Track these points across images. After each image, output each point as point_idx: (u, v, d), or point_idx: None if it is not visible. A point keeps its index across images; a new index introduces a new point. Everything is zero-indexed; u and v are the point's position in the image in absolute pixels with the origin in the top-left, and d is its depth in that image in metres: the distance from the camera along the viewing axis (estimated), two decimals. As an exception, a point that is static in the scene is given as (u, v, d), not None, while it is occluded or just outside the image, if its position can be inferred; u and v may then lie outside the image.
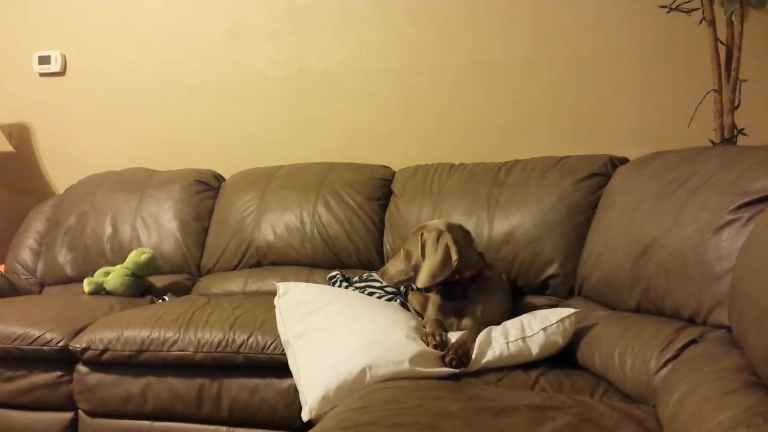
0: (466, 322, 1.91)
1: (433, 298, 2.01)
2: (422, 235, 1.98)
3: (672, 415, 1.15)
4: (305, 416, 1.62)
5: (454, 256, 1.92)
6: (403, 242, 2.10)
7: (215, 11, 3.30)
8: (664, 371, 1.42)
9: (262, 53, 3.24)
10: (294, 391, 1.90)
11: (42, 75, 3.54)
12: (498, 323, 1.83)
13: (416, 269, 1.98)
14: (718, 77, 2.29)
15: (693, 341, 1.43)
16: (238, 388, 2.02)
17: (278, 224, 2.77)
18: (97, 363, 2.15)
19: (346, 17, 3.13)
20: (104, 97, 3.46)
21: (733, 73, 2.24)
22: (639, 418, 1.27)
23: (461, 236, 2.01)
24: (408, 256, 2.01)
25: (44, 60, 3.51)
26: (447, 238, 1.94)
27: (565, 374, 1.65)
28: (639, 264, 1.73)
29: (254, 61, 3.26)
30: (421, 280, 1.94)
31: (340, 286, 2.42)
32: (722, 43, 2.28)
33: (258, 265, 2.81)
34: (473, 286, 1.95)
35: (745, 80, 2.25)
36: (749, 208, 1.45)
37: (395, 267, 2.04)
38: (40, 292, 3.04)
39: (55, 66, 3.50)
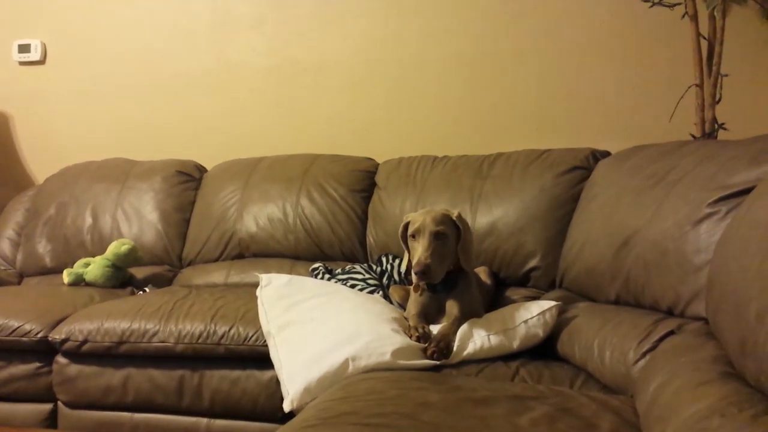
0: (447, 315, 1.90)
1: (415, 293, 1.99)
2: (459, 218, 1.87)
3: (649, 404, 1.16)
4: (287, 407, 1.62)
5: None
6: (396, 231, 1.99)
7: (198, 0, 3.27)
8: (642, 362, 1.44)
9: (246, 43, 3.22)
10: (275, 383, 1.90)
11: (22, 63, 3.50)
12: (478, 316, 1.84)
13: (449, 253, 1.86)
14: (700, 72, 2.30)
15: (671, 333, 1.44)
16: (219, 379, 2.01)
17: (261, 216, 2.76)
18: (77, 354, 2.13)
19: (331, 7, 3.11)
20: (85, 86, 3.43)
21: (714, 68, 2.26)
22: (617, 408, 1.28)
23: None
24: (447, 241, 1.83)
25: (24, 48, 3.47)
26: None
27: (545, 365, 1.66)
28: (619, 256, 1.74)
29: (237, 51, 3.24)
30: (470, 260, 1.90)
31: (322, 278, 2.41)
32: (704, 37, 2.30)
33: (240, 256, 2.80)
34: (457, 278, 1.95)
35: (726, 75, 2.27)
36: (727, 202, 1.47)
37: (438, 255, 1.79)
38: (19, 283, 3.01)
39: (35, 54, 3.46)
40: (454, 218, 1.87)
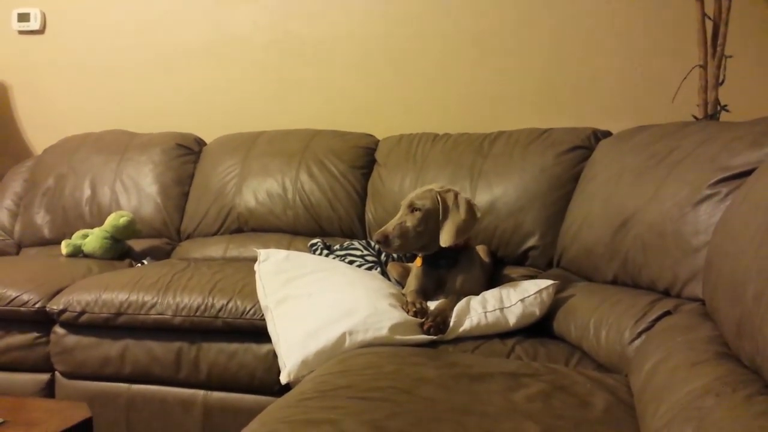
0: (446, 291, 1.91)
1: (416, 268, 2.00)
2: (439, 194, 1.89)
3: (643, 383, 1.17)
4: (284, 379, 1.63)
5: (479, 214, 1.91)
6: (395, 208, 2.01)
7: (199, -28, 3.24)
8: (637, 342, 1.45)
9: (246, 16, 3.19)
10: (273, 356, 1.91)
11: (21, 33, 3.46)
12: (477, 295, 1.85)
13: (426, 229, 1.87)
14: (704, 53, 2.29)
15: (667, 313, 1.45)
16: (216, 352, 2.02)
17: (260, 190, 2.75)
18: (75, 325, 2.14)
19: (333, -19, 3.08)
20: (84, 56, 3.40)
21: (718, 49, 2.24)
22: (611, 387, 1.29)
23: None
24: (421, 215, 1.86)
25: (23, 17, 3.43)
26: (466, 198, 1.91)
27: (540, 343, 1.67)
28: (617, 237, 1.74)
29: (238, 24, 3.20)
30: (447, 238, 1.84)
31: (321, 254, 2.42)
32: (709, 18, 2.28)
33: (239, 231, 2.80)
34: (460, 256, 1.94)
35: (730, 56, 2.25)
36: (728, 183, 1.47)
37: (402, 227, 1.85)
38: (17, 254, 3.01)
39: (34, 24, 3.42)
40: (442, 196, 1.88)
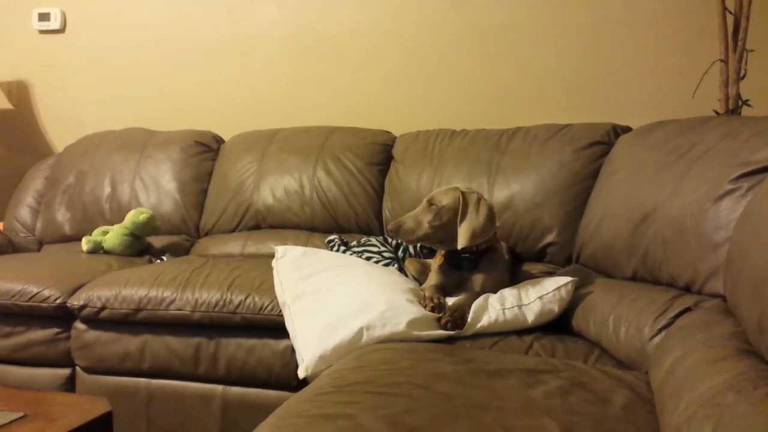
0: (467, 291, 1.89)
1: (437, 264, 1.99)
2: (463, 194, 1.88)
3: (663, 380, 1.15)
4: (301, 374, 1.63)
5: (497, 222, 1.88)
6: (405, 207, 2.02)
7: (217, -30, 3.25)
8: (657, 338, 1.43)
9: (263, 13, 3.20)
10: (290, 352, 1.92)
11: (42, 32, 3.51)
12: (496, 295, 1.84)
13: (442, 225, 1.88)
14: (725, 47, 2.25)
15: (687, 309, 1.43)
16: (235, 347, 2.03)
17: (277, 187, 2.76)
18: (95, 320, 2.16)
19: (349, -22, 3.08)
20: (104, 55, 3.43)
21: (740, 43, 2.21)
22: (631, 383, 1.28)
23: None
24: (437, 210, 1.87)
25: (44, 17, 3.47)
26: (488, 203, 1.89)
27: (559, 340, 1.66)
28: (637, 232, 1.73)
29: (256, 21, 3.22)
30: (462, 240, 1.84)
31: (338, 250, 2.42)
32: (730, 12, 2.25)
33: (257, 227, 2.81)
34: (482, 258, 1.93)
35: (751, 50, 2.22)
36: (749, 179, 1.45)
37: (417, 219, 1.88)
38: (38, 250, 3.05)
39: (54, 23, 3.46)
40: (465, 196, 1.87)
